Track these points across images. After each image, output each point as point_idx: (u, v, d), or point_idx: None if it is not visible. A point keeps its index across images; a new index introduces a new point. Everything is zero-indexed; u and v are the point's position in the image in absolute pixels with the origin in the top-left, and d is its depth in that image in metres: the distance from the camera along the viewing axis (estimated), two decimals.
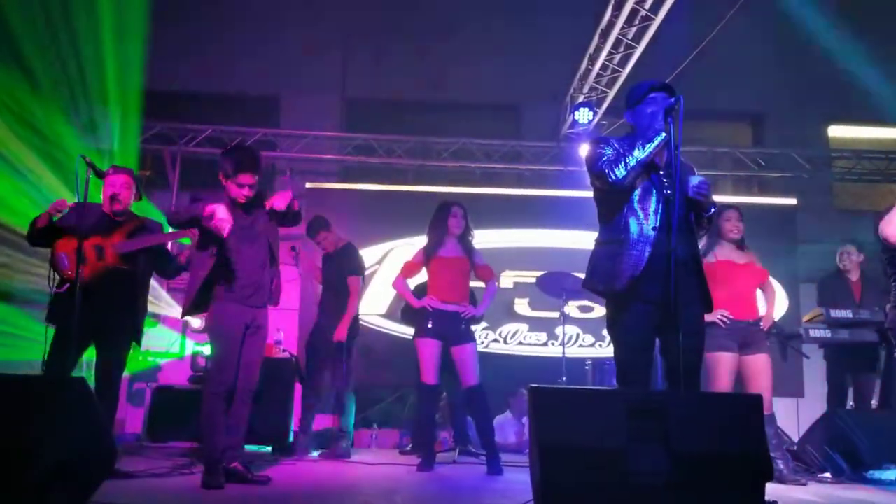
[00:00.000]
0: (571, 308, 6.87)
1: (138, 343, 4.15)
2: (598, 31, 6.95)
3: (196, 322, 6.46)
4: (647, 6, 6.26)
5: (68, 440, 2.50)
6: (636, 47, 6.72)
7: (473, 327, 4.95)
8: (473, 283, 5.11)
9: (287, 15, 8.93)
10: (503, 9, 8.91)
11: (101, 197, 4.06)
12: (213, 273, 3.66)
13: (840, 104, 9.01)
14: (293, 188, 7.74)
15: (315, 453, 5.61)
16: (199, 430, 3.90)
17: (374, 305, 7.84)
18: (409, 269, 5.06)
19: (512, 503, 3.23)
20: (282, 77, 8.97)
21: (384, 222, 7.92)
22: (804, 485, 4.38)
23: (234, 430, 3.70)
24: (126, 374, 4.83)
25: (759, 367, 4.58)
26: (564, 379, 5.96)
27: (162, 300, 7.65)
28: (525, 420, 6.39)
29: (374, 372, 7.44)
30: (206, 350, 5.96)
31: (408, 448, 6.18)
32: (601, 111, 7.79)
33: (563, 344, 6.20)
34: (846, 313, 5.37)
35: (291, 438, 5.69)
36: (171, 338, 7.76)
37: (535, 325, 7.92)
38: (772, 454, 3.28)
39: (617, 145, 3.13)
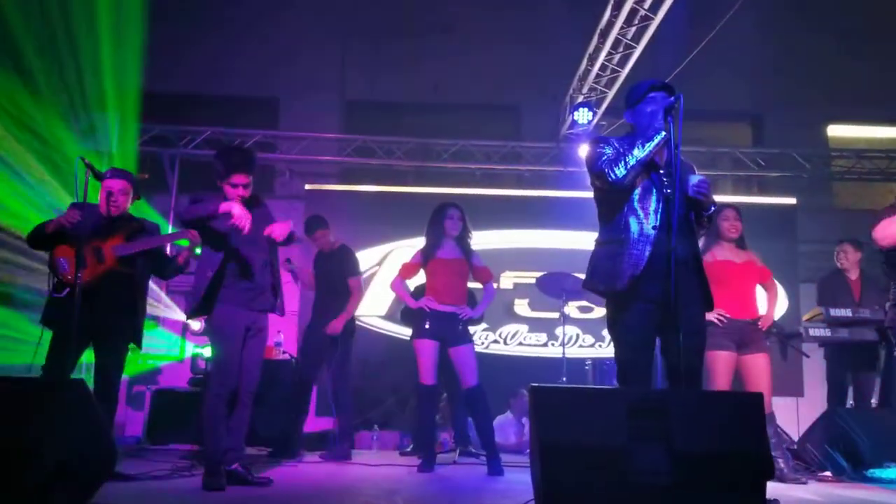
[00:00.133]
0: (571, 308, 6.86)
1: (138, 345, 4.13)
2: (598, 31, 6.94)
3: (196, 324, 6.46)
4: (646, 6, 6.25)
5: (68, 441, 2.50)
6: (635, 47, 6.72)
7: (473, 328, 4.94)
8: (473, 285, 5.11)
9: (286, 16, 8.91)
10: (503, 9, 8.91)
11: (98, 198, 4.04)
12: (215, 275, 3.65)
13: (840, 104, 9.02)
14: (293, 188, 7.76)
15: (309, 455, 5.59)
16: (199, 432, 3.90)
17: (374, 307, 7.85)
18: (407, 271, 5.05)
19: (513, 503, 3.23)
20: (281, 79, 8.96)
21: (384, 224, 7.92)
22: (805, 483, 4.38)
23: (234, 431, 3.70)
24: (125, 376, 4.83)
25: (759, 366, 4.57)
26: (565, 379, 5.95)
27: (161, 303, 7.65)
28: (525, 420, 6.39)
29: (375, 373, 7.44)
30: (206, 352, 5.96)
31: (408, 449, 6.18)
32: (601, 111, 7.78)
33: (563, 344, 6.20)
34: (846, 312, 5.36)
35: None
36: (170, 340, 7.76)
37: (535, 325, 7.92)
38: (772, 453, 3.28)
39: (617, 145, 3.12)
